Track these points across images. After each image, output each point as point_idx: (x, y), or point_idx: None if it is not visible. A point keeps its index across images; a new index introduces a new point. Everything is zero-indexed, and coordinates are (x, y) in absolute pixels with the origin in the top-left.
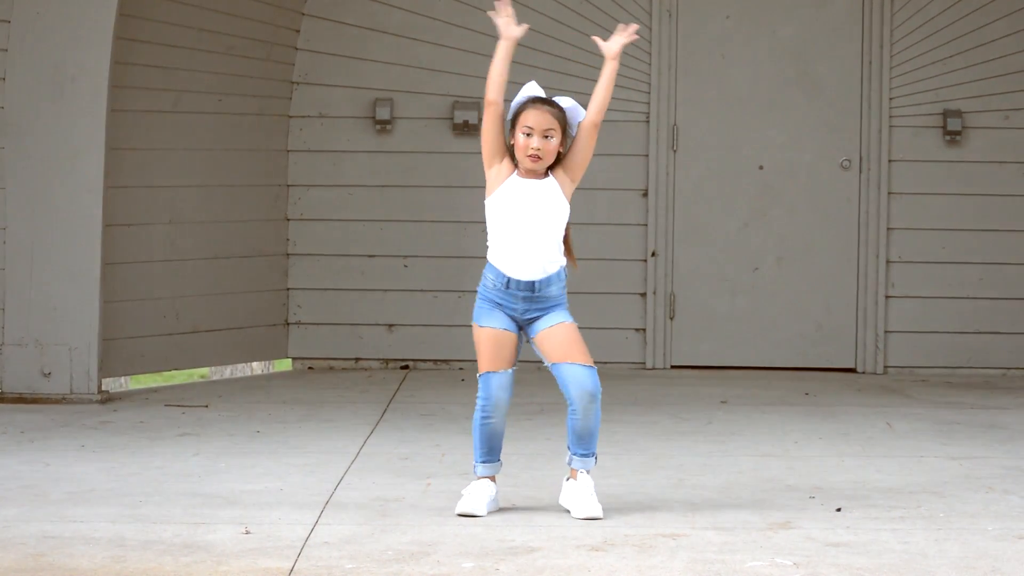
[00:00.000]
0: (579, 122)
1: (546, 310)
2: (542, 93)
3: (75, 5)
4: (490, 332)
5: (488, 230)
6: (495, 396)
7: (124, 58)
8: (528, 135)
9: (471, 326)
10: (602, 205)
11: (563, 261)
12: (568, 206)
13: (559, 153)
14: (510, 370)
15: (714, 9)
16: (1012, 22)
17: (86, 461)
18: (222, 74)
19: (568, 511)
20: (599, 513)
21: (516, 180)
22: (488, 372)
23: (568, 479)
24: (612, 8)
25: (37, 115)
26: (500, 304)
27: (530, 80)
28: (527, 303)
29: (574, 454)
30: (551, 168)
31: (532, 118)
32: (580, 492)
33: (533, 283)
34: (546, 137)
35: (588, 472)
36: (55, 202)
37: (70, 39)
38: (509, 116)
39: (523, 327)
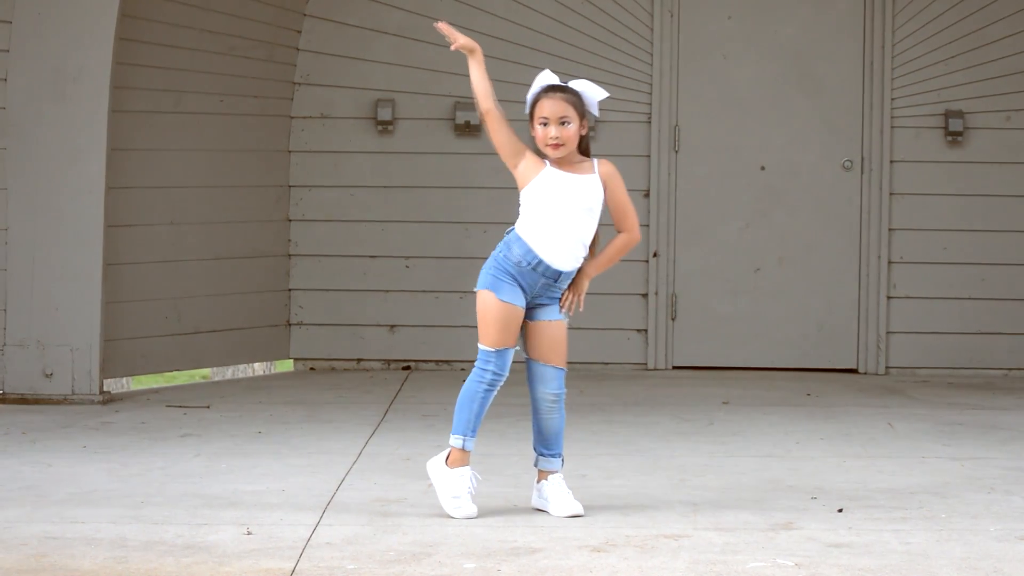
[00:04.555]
0: (598, 102)
1: (551, 300)
2: (556, 80)
3: (77, 5)
4: (509, 308)
5: (525, 213)
6: (504, 371)
7: (126, 59)
8: (544, 124)
9: (473, 327)
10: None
11: (582, 262)
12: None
13: (584, 140)
14: (516, 347)
15: (715, 9)
16: (1013, 23)
17: (88, 462)
18: (223, 75)
19: (545, 512)
20: (580, 510)
21: (553, 172)
22: (503, 348)
23: (538, 481)
24: (612, 8)
25: (39, 116)
26: (519, 280)
27: (544, 70)
28: (545, 288)
29: (539, 454)
30: (600, 167)
31: (546, 108)
32: (556, 491)
33: (560, 273)
34: (563, 124)
35: (558, 472)
36: (57, 203)
37: (72, 40)
38: (527, 109)
39: (527, 308)
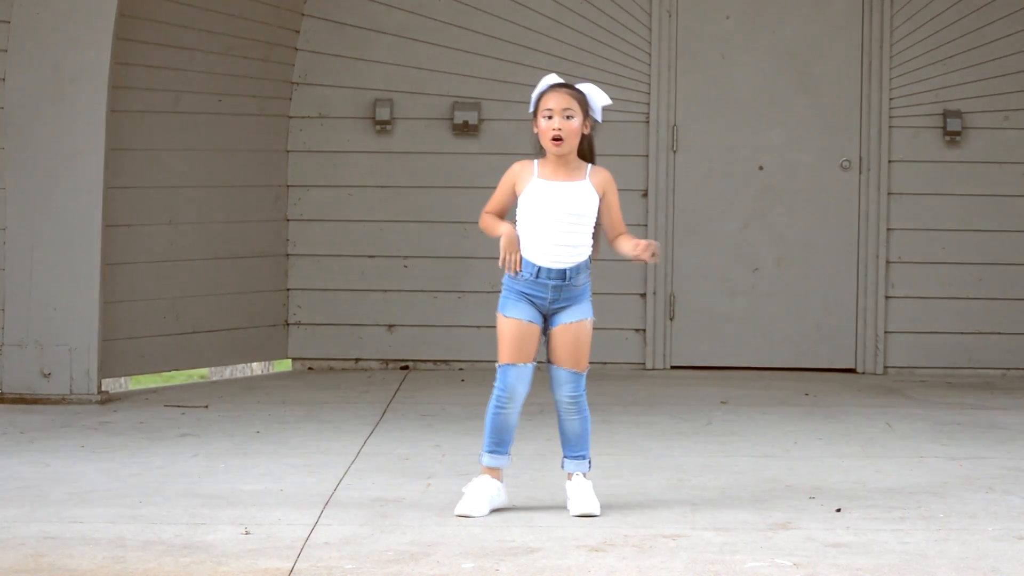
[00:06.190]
0: (603, 107)
1: (573, 300)
2: (561, 80)
3: (75, 5)
4: (515, 324)
5: (518, 222)
6: (512, 387)
7: (124, 58)
8: (549, 118)
9: (472, 327)
10: None
11: (590, 250)
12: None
13: (588, 143)
14: (531, 364)
15: (714, 9)
16: (1012, 22)
17: (86, 461)
18: (222, 74)
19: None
20: (596, 510)
21: (540, 184)
22: (508, 364)
23: (568, 481)
24: (612, 8)
25: (37, 116)
26: (528, 294)
27: (550, 73)
28: (556, 292)
29: (565, 456)
30: (593, 175)
31: (551, 100)
32: (577, 490)
33: (565, 271)
34: (567, 117)
35: (584, 475)
36: (55, 202)
37: (70, 39)
38: (531, 108)
39: (548, 317)
